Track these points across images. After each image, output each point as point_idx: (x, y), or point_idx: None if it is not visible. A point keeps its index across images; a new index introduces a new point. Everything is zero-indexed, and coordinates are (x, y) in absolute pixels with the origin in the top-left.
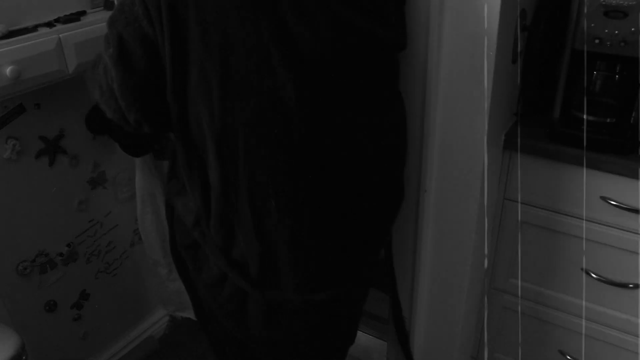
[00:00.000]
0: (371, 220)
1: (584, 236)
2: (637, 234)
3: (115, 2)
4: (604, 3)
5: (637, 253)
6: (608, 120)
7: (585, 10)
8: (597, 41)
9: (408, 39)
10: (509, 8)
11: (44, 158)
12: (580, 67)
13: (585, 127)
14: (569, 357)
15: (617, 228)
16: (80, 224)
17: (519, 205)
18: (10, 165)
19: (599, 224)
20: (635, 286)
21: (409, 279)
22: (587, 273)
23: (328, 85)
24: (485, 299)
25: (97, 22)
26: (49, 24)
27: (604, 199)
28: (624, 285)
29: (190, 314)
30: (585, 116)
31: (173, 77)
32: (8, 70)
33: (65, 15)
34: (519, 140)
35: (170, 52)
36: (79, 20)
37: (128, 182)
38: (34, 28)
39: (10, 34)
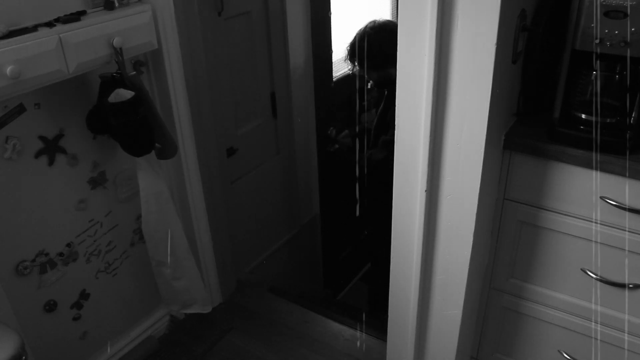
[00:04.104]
0: None
1: (584, 236)
2: (637, 234)
3: (116, 2)
4: (604, 3)
5: (637, 253)
6: (608, 120)
7: (585, 11)
8: (597, 41)
9: (410, 40)
10: (509, 8)
11: (44, 158)
12: (581, 67)
13: (585, 127)
14: (568, 357)
15: (617, 228)
16: (80, 223)
17: (518, 205)
18: (10, 165)
19: (599, 224)
20: (635, 286)
21: (409, 279)
22: (587, 273)
23: None
24: (486, 299)
25: (97, 22)
26: (49, 24)
27: (604, 199)
28: (624, 286)
29: (196, 309)
30: (585, 116)
31: None
32: (8, 70)
33: (65, 15)
34: (519, 140)
35: None
36: (79, 20)
37: (128, 182)
38: (34, 28)
39: (10, 34)
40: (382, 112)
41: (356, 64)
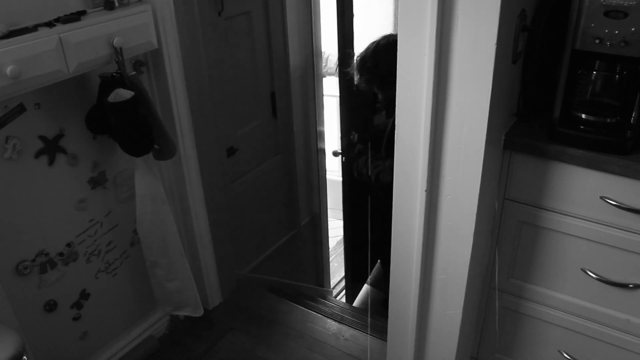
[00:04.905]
0: None
1: (584, 236)
2: (637, 233)
3: (116, 2)
4: (604, 3)
5: (637, 253)
6: (608, 120)
7: (585, 11)
8: (597, 41)
9: (410, 40)
10: (509, 8)
11: (44, 158)
12: (581, 67)
13: (585, 127)
14: (568, 357)
15: (617, 228)
16: (80, 223)
17: (516, 204)
18: (10, 165)
19: (599, 224)
20: (635, 286)
21: (409, 279)
22: (587, 273)
23: None
24: (486, 299)
25: (97, 22)
26: (49, 24)
27: (604, 199)
28: (624, 286)
29: (188, 312)
30: (585, 116)
31: None
32: (8, 70)
33: (65, 15)
34: (519, 140)
35: None
36: (79, 20)
37: (128, 182)
38: (34, 28)
39: (11, 34)
40: (391, 131)
41: (363, 78)
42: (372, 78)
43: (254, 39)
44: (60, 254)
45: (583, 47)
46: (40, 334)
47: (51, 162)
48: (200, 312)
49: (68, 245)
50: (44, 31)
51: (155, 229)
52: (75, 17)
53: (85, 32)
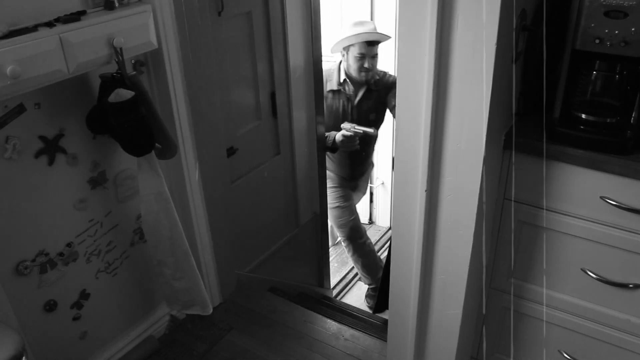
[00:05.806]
0: None
1: (584, 236)
2: (637, 233)
3: (116, 2)
4: (604, 3)
5: (637, 253)
6: (608, 120)
7: (585, 11)
8: (597, 41)
9: (410, 40)
10: (509, 8)
11: (44, 158)
12: (581, 67)
13: (585, 127)
14: (568, 357)
15: (617, 228)
16: (80, 223)
17: (514, 204)
18: (10, 165)
19: (599, 224)
20: (635, 286)
21: (409, 279)
22: (587, 273)
23: None
24: (486, 299)
25: (97, 22)
26: (49, 24)
27: (604, 199)
28: (624, 286)
29: (196, 310)
30: (585, 116)
31: None
32: (8, 69)
33: (65, 15)
34: (519, 140)
35: None
36: (79, 20)
37: (128, 182)
38: (34, 28)
39: (11, 34)
40: None
41: None
42: None
43: (254, 39)
44: (60, 254)
45: (583, 47)
46: (40, 334)
47: (51, 162)
48: (209, 311)
49: (68, 245)
50: (44, 31)
51: (160, 228)
52: (75, 17)
53: (85, 32)
